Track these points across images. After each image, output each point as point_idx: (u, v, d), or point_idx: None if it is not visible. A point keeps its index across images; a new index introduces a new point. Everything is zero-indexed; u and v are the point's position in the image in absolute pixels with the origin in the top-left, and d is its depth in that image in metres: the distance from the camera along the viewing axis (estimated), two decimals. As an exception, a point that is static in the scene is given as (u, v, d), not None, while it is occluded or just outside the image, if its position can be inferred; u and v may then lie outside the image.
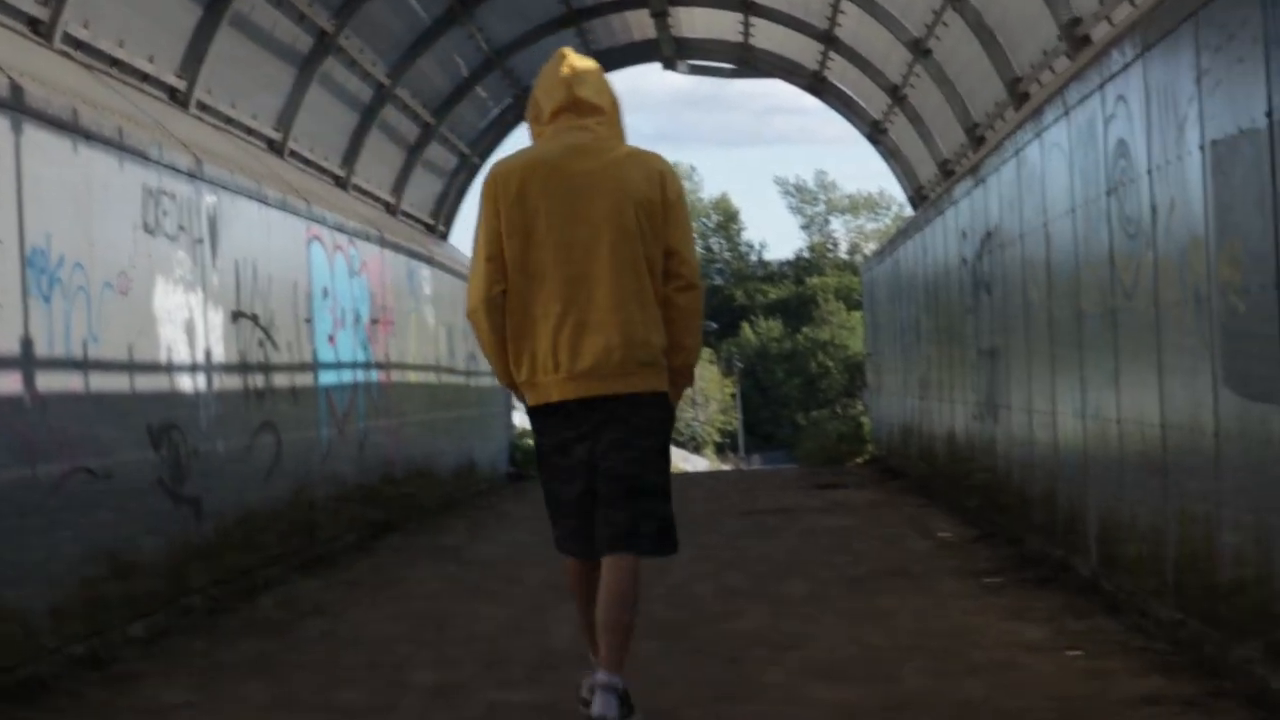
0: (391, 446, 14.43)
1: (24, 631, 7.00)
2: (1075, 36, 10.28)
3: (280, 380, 11.10)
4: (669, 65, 19.54)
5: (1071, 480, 9.06)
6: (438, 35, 15.63)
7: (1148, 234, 7.18)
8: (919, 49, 14.89)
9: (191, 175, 9.51)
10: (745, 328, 73.60)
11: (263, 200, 10.96)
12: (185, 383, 9.25)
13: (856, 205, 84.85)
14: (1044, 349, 9.80)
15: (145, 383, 8.64)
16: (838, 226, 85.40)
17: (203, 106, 11.42)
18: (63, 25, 9.04)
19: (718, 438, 64.85)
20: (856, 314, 61.30)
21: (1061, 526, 9.36)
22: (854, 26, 16.48)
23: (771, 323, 73.91)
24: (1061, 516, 9.35)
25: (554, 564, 6.48)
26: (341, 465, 12.64)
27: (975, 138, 14.50)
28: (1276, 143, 5.44)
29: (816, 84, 19.39)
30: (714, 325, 64.29)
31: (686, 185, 56.00)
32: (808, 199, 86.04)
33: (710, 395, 64.71)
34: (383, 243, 14.67)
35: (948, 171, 16.32)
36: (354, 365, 13.29)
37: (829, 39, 17.45)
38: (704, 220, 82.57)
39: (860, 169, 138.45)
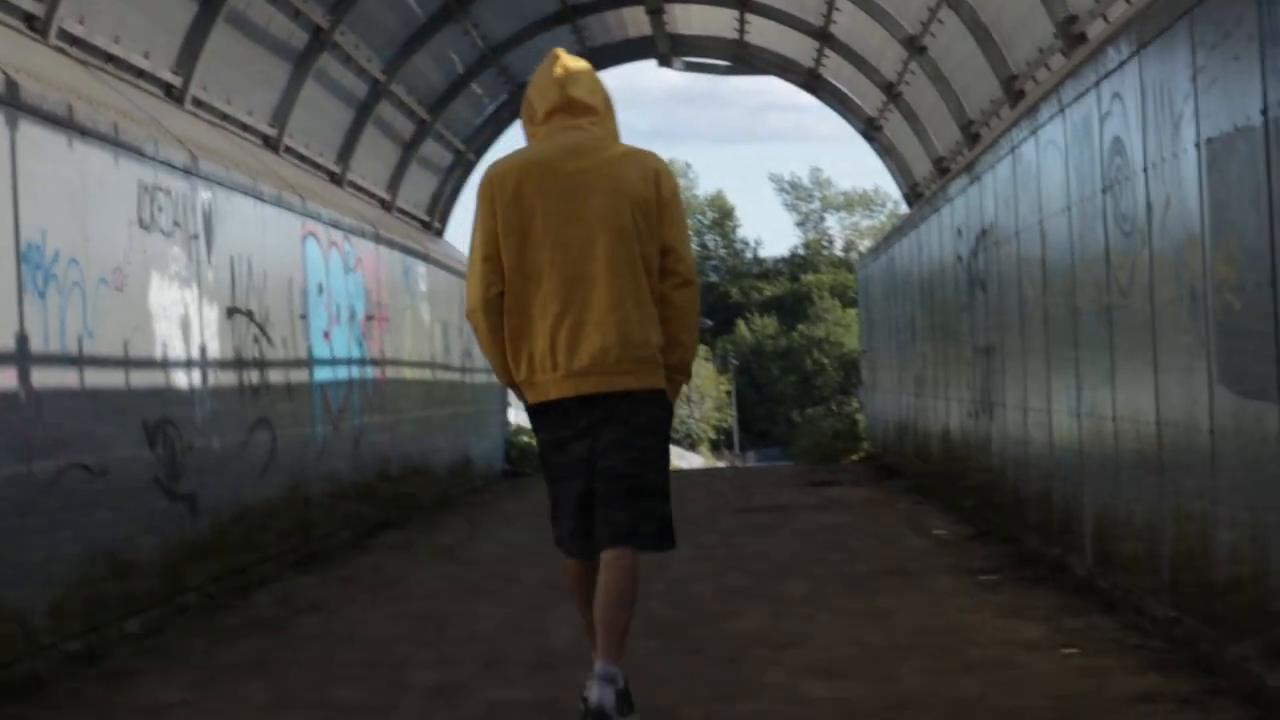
0: (387, 443, 14.43)
1: (21, 628, 7.00)
2: (1071, 34, 10.28)
3: (275, 377, 11.09)
4: (664, 62, 19.52)
5: (1067, 478, 9.05)
6: (433, 32, 15.63)
7: (1143, 231, 7.18)
8: (914, 46, 14.89)
9: (187, 171, 9.50)
10: (740, 325, 73.60)
11: (258, 196, 10.95)
12: (180, 379, 9.24)
13: (851, 202, 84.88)
14: (1039, 347, 9.79)
15: (140, 379, 8.64)
16: (833, 224, 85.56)
17: (198, 103, 11.41)
18: (58, 21, 9.03)
19: (713, 435, 64.92)
20: (852, 311, 61.34)
21: (1057, 524, 9.36)
22: (849, 24, 16.47)
23: (767, 320, 73.91)
24: (1057, 514, 9.35)
25: (552, 563, 6.48)
26: (337, 462, 12.63)
27: (970, 135, 14.49)
28: (1272, 140, 5.44)
29: (812, 81, 19.40)
30: (709, 322, 64.35)
31: (681, 182, 56.02)
32: (803, 196, 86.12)
33: (705, 392, 64.75)
34: (378, 239, 14.66)
35: (943, 169, 16.33)
36: (349, 362, 13.29)
37: (824, 36, 17.46)
38: (699, 217, 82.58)
39: (855, 166, 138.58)
